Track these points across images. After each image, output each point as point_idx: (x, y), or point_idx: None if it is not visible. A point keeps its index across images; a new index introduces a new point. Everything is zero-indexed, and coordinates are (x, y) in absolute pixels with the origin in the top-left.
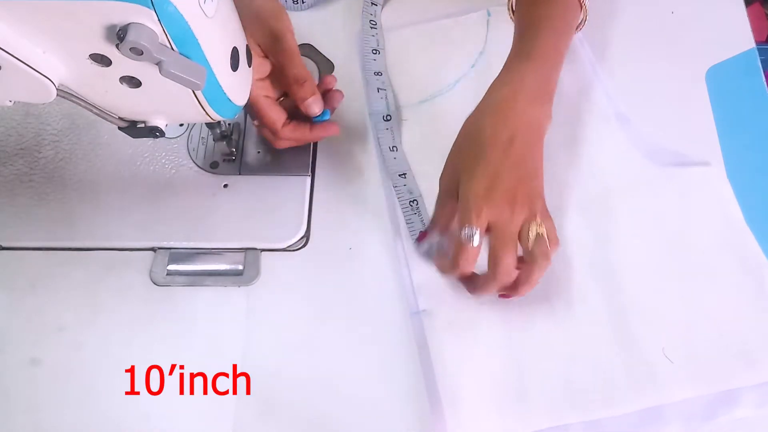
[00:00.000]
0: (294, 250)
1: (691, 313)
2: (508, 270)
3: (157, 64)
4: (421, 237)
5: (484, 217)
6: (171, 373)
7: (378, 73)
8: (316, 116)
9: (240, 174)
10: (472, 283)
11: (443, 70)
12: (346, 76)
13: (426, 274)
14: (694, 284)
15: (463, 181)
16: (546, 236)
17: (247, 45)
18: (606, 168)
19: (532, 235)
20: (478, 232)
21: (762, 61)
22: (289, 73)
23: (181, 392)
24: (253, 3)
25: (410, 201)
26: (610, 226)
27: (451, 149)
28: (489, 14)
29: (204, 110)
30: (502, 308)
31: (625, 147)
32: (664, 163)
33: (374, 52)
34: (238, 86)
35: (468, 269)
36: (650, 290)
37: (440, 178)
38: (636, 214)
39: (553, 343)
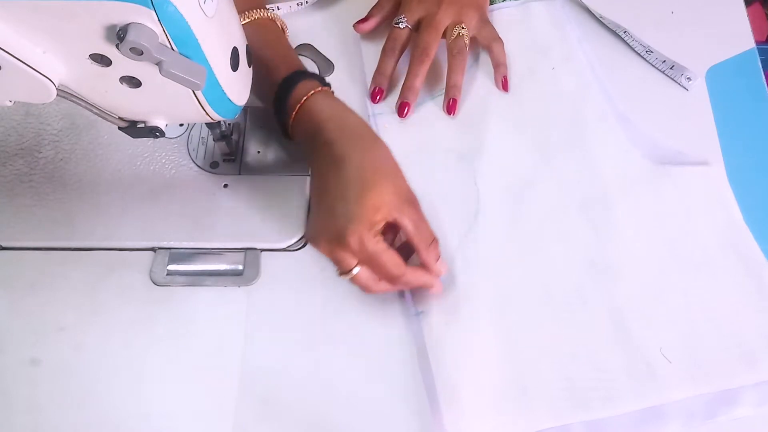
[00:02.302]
0: (294, 250)
1: (690, 312)
2: (427, 45)
3: (157, 64)
4: (362, 21)
5: (414, 11)
6: (171, 373)
7: None
8: None
9: (240, 174)
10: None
11: (442, 72)
12: (346, 76)
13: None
14: (693, 284)
15: None
16: (465, 37)
17: (247, 45)
18: (606, 168)
19: (455, 33)
20: (404, 19)
21: (762, 61)
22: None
23: (181, 392)
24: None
25: None
26: (610, 226)
27: None
28: None
29: (204, 110)
30: (501, 308)
31: (625, 147)
32: (664, 162)
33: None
34: (238, 86)
35: (396, 49)
36: (650, 289)
37: None
38: (635, 213)
39: (552, 342)
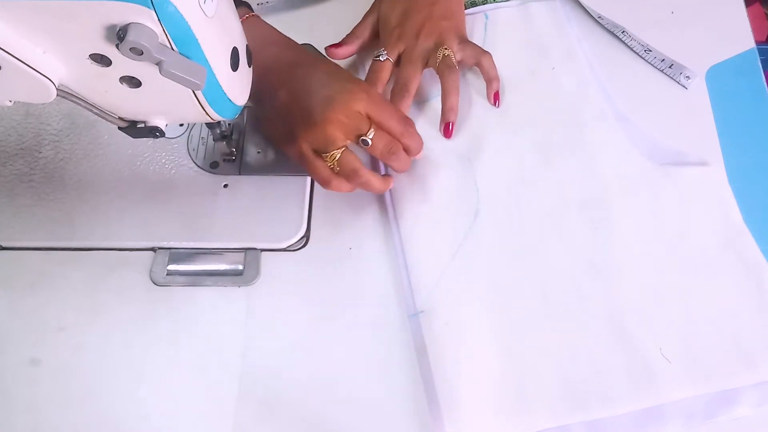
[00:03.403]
0: (294, 250)
1: (690, 312)
2: (406, 80)
3: (157, 64)
4: (337, 46)
5: (394, 46)
6: (171, 373)
7: None
8: None
9: (240, 174)
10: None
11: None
12: None
13: (423, 274)
14: (693, 284)
15: (382, 15)
16: (453, 56)
17: (247, 45)
18: (605, 167)
19: (439, 56)
20: (385, 53)
21: (762, 61)
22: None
23: (181, 392)
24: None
25: None
26: (610, 226)
27: None
28: (486, 17)
29: (204, 110)
30: (501, 308)
31: (625, 147)
32: (664, 162)
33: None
34: (238, 86)
35: (378, 82)
36: (649, 290)
37: (375, 1)
38: (635, 213)
39: (551, 342)
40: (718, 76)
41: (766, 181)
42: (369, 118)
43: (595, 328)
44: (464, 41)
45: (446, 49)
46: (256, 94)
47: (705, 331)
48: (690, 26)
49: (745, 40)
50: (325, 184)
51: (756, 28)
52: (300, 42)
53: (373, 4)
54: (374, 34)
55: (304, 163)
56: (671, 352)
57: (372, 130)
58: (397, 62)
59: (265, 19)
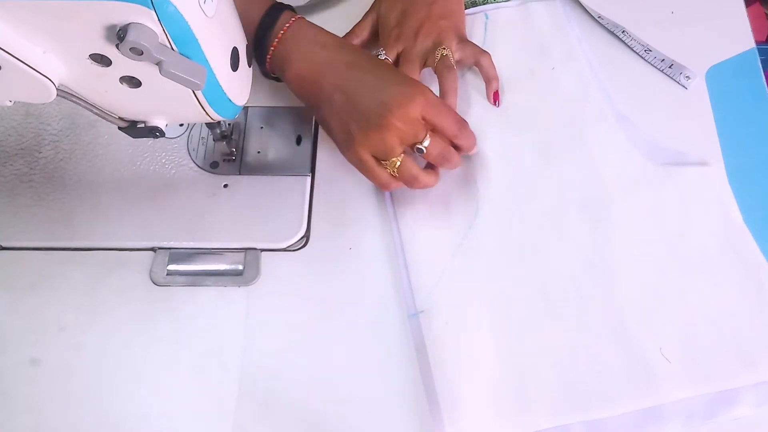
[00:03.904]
0: (294, 250)
1: (690, 312)
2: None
3: (157, 64)
4: None
5: (392, 46)
6: (171, 373)
7: None
8: None
9: (240, 174)
10: None
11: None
12: None
13: (423, 274)
14: (693, 284)
15: (381, 15)
16: (451, 56)
17: (247, 45)
18: (605, 167)
19: (437, 56)
20: (383, 52)
21: (762, 61)
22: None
23: (181, 392)
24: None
25: None
26: (609, 226)
27: None
28: (486, 17)
29: (204, 110)
30: (501, 308)
31: (625, 147)
32: (664, 163)
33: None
34: (238, 86)
35: None
36: (649, 290)
37: (374, 1)
38: (635, 213)
39: (551, 342)
40: (718, 76)
41: (766, 181)
42: (425, 121)
43: (595, 327)
44: (463, 41)
45: (444, 49)
46: (310, 97)
47: (705, 331)
48: (690, 26)
49: (745, 40)
50: (384, 188)
51: (756, 28)
52: None
53: (372, 3)
54: (373, 34)
55: (363, 170)
56: (671, 352)
57: (427, 137)
58: (396, 62)
59: None
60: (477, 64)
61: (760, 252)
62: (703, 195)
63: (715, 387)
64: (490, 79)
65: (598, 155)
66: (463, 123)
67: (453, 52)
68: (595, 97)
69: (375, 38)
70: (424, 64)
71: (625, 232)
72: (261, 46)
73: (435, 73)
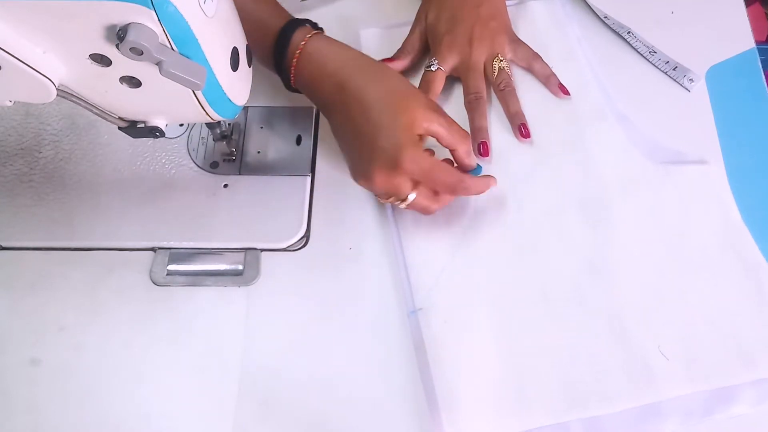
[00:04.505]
0: (294, 250)
1: (688, 310)
2: (477, 89)
3: (157, 64)
4: (387, 61)
5: (447, 55)
6: (171, 373)
7: None
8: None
9: (240, 174)
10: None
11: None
12: None
13: (422, 272)
14: (692, 283)
15: (429, 25)
16: (506, 69)
17: (247, 45)
18: (605, 167)
19: (495, 69)
20: (436, 62)
21: (762, 61)
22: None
23: (181, 392)
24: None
25: None
26: (609, 225)
27: None
28: None
29: (204, 110)
30: (499, 306)
31: (624, 146)
32: (663, 162)
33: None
34: (238, 86)
35: (431, 92)
36: (648, 288)
37: (418, 11)
38: (634, 213)
39: (550, 340)
40: (718, 76)
41: (766, 181)
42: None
43: (595, 326)
44: (514, 41)
45: (501, 60)
46: (326, 109)
47: (704, 330)
48: (690, 26)
49: (745, 40)
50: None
51: (756, 28)
52: None
53: (417, 14)
54: (424, 46)
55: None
56: (670, 351)
57: (413, 193)
58: (451, 71)
59: None
60: (529, 67)
61: (759, 251)
62: (702, 194)
63: (713, 385)
64: (547, 76)
65: (598, 155)
66: (461, 178)
67: (506, 55)
68: (595, 96)
69: (427, 50)
70: (485, 74)
71: (624, 232)
72: (281, 64)
73: (495, 92)
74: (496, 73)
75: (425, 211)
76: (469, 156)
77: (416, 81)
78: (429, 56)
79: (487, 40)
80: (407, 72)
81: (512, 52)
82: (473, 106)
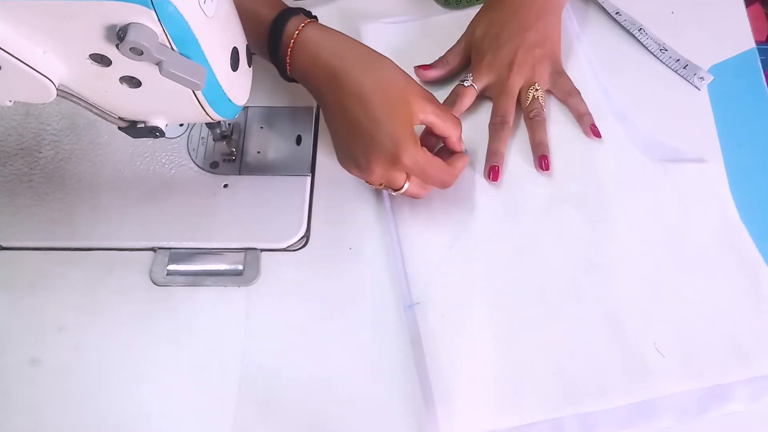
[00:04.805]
0: (294, 250)
1: (685, 309)
2: (504, 113)
3: (157, 64)
4: (426, 68)
5: (484, 75)
6: (171, 373)
7: None
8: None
9: (240, 174)
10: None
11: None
12: None
13: (420, 266)
14: (689, 281)
15: (475, 41)
16: (540, 99)
17: (247, 45)
18: (604, 165)
19: (530, 96)
20: (470, 78)
21: (762, 61)
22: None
23: (181, 392)
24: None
25: None
26: (607, 223)
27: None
28: None
29: (204, 110)
30: (496, 302)
31: (624, 145)
32: (662, 161)
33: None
34: (238, 86)
35: (457, 106)
36: (645, 286)
37: (470, 23)
38: (633, 211)
39: (546, 336)
40: (718, 76)
41: (766, 181)
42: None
43: (592, 323)
44: (557, 72)
45: (537, 89)
46: (320, 98)
47: (700, 327)
48: (690, 26)
49: (745, 40)
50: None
51: (756, 28)
52: None
53: (468, 26)
54: (464, 61)
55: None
56: (667, 348)
57: (406, 183)
58: (484, 90)
59: None
60: (564, 102)
61: (756, 249)
62: (701, 193)
63: (708, 382)
64: (581, 115)
65: (597, 153)
66: (450, 174)
67: (544, 84)
68: (594, 94)
69: (466, 65)
70: (517, 99)
71: (623, 230)
72: (276, 54)
73: (524, 117)
74: (529, 101)
75: (416, 197)
76: (460, 142)
77: (446, 92)
78: (466, 71)
79: (527, 66)
80: (440, 81)
81: (551, 83)
82: (496, 128)
